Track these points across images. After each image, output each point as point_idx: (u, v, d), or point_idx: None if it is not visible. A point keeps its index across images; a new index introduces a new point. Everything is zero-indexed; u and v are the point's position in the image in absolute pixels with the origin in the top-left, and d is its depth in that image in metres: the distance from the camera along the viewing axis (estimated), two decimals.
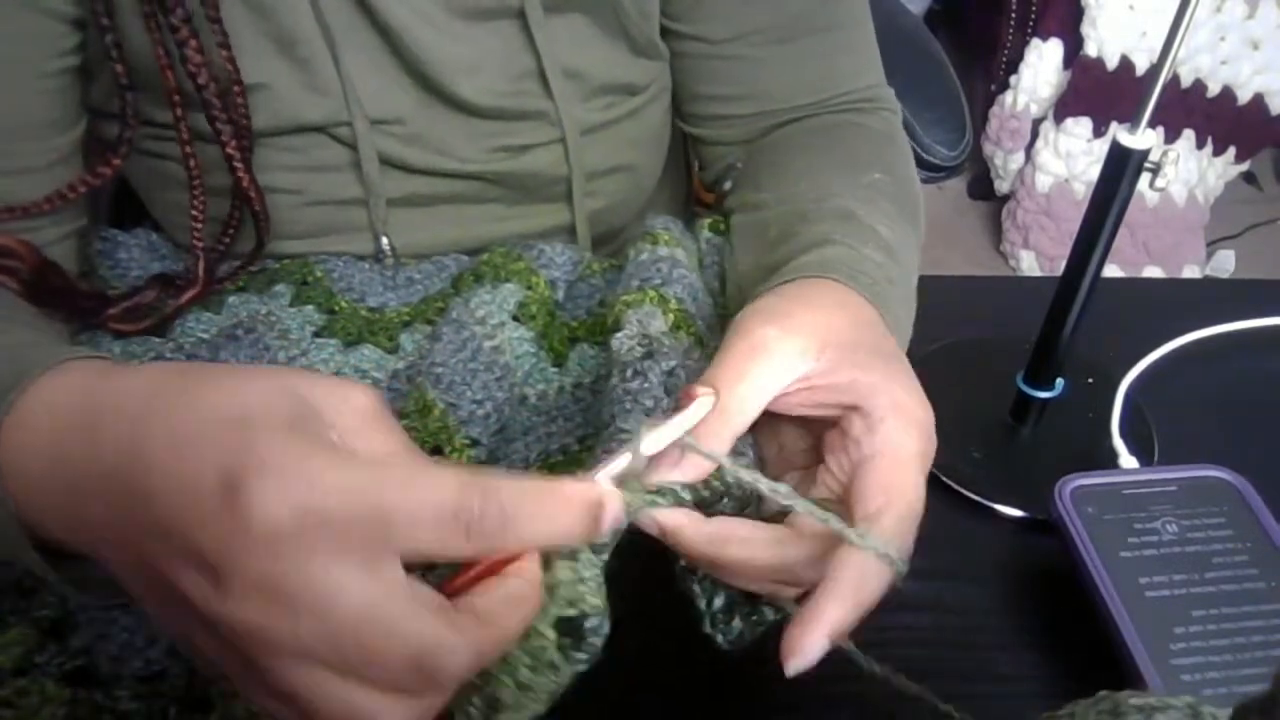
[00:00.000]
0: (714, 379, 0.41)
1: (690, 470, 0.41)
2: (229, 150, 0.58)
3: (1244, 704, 0.32)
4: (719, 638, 0.43)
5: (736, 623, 0.43)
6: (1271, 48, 1.94)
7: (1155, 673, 0.45)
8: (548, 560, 0.36)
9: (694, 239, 0.65)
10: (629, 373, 0.46)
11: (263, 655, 0.31)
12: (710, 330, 0.55)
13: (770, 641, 0.43)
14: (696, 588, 0.42)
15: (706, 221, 0.65)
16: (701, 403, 0.40)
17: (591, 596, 0.36)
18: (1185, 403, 0.63)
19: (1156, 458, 0.59)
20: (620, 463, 0.39)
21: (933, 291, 0.73)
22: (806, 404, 0.43)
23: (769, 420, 0.44)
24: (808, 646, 0.38)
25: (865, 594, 0.39)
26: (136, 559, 0.34)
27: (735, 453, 0.42)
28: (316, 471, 0.31)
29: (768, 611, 0.43)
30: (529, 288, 0.61)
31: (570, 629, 0.36)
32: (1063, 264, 0.55)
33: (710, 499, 0.41)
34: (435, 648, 0.32)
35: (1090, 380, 0.63)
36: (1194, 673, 0.45)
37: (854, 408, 0.42)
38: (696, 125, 0.73)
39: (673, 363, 0.46)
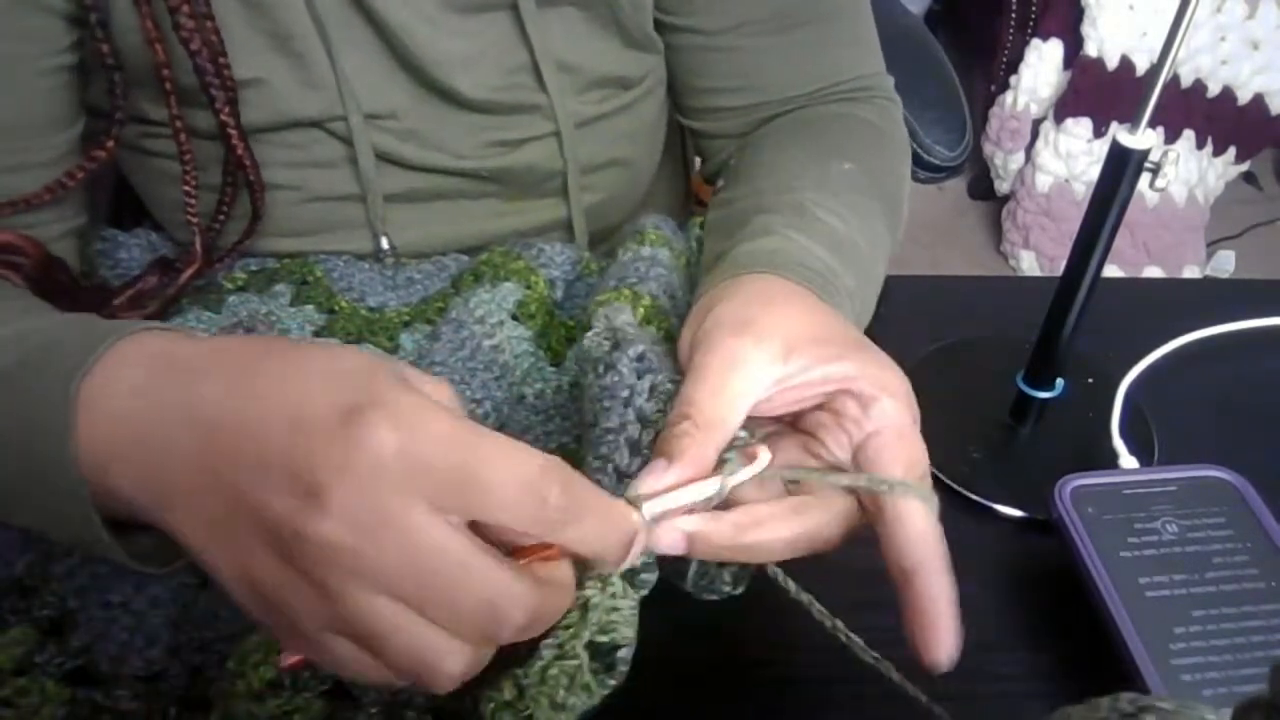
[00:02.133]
0: (693, 395, 0.42)
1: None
2: (223, 118, 0.58)
3: (1244, 704, 0.32)
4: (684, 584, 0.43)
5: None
6: (1271, 48, 1.94)
7: (1155, 673, 0.45)
8: (579, 579, 0.37)
9: (686, 237, 0.65)
10: (600, 368, 0.46)
11: (344, 579, 0.32)
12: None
13: (767, 642, 0.43)
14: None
15: (698, 220, 0.65)
16: (761, 459, 0.42)
17: (625, 627, 0.37)
18: (1185, 403, 0.63)
19: (1156, 458, 0.59)
20: (692, 493, 0.40)
21: (933, 291, 0.74)
22: (786, 404, 0.44)
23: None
24: (943, 630, 0.39)
25: (937, 545, 0.40)
26: (216, 496, 0.34)
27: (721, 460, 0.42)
28: (428, 418, 0.33)
29: None
30: (528, 287, 0.61)
31: (601, 655, 0.37)
32: (1063, 264, 0.55)
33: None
34: (505, 596, 0.33)
35: (1090, 380, 0.63)
36: (1194, 673, 0.45)
37: (842, 392, 0.43)
38: (694, 118, 0.73)
39: (640, 348, 0.45)
